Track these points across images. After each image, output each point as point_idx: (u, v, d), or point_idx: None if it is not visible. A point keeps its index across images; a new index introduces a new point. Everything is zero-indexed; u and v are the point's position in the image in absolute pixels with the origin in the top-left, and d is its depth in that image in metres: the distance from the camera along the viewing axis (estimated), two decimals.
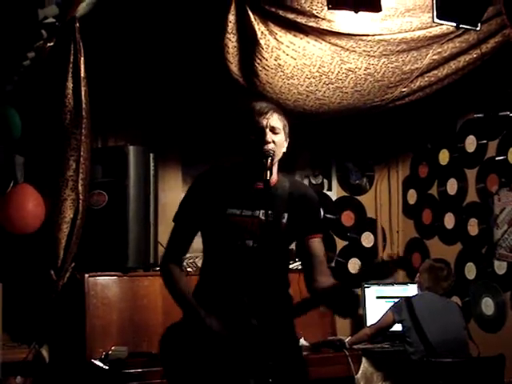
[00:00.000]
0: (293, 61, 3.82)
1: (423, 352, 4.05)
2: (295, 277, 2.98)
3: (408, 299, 4.28)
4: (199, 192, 2.80)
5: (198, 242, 2.89)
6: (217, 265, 2.79)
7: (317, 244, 2.88)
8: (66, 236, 3.84)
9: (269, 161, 2.68)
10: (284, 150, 2.79)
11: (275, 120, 2.75)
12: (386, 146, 5.56)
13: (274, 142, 2.72)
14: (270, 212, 2.67)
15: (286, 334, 2.80)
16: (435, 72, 4.23)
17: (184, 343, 2.70)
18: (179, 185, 4.81)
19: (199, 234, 2.87)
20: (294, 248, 2.98)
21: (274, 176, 2.74)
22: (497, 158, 4.77)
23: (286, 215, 2.77)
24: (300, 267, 3.01)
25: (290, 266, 2.99)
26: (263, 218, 2.69)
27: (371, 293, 4.94)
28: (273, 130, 2.73)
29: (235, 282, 2.70)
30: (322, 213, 5.37)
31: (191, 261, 4.15)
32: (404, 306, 4.22)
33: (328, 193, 5.50)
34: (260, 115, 2.74)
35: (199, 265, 2.95)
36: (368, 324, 4.72)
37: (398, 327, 4.31)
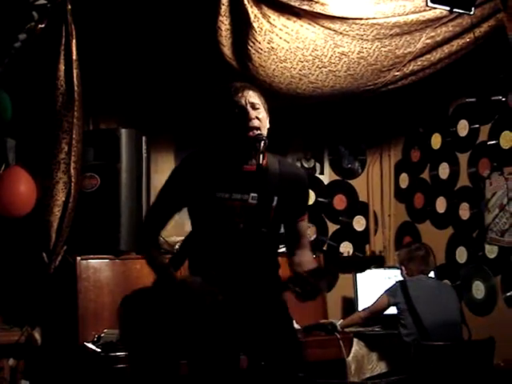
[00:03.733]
0: (286, 44, 3.81)
1: (417, 334, 4.08)
2: (284, 260, 2.99)
3: (403, 282, 4.30)
4: (186, 174, 2.79)
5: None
6: (207, 247, 2.78)
7: (304, 226, 2.93)
8: (57, 219, 3.83)
9: (261, 144, 2.66)
10: (268, 125, 2.77)
11: (253, 96, 2.75)
12: (378, 130, 5.56)
13: (257, 118, 2.71)
14: (260, 195, 2.67)
15: (277, 314, 2.81)
16: (428, 56, 4.23)
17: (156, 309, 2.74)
18: (172, 168, 4.62)
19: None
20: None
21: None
22: (489, 143, 4.78)
23: (276, 198, 2.76)
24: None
25: (280, 250, 2.99)
26: (253, 201, 2.69)
27: (363, 277, 4.95)
28: (253, 106, 2.72)
29: (226, 265, 2.69)
30: (314, 196, 5.39)
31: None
32: (399, 289, 4.24)
33: (320, 176, 5.50)
34: (237, 94, 2.73)
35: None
36: (359, 308, 4.74)
37: (390, 310, 4.33)
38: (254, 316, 2.70)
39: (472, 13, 3.44)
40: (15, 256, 4.04)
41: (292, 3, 3.56)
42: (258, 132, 2.69)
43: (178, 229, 3.49)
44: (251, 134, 2.68)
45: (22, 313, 4.14)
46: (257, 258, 2.70)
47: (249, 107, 2.71)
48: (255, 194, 2.69)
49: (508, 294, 4.60)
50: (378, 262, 5.06)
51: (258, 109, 2.73)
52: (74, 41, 3.65)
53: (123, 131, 4.20)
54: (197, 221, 2.82)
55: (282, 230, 2.98)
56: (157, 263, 2.80)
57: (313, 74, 4.08)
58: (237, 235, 2.71)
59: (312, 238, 5.26)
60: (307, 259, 2.86)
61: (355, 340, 4.36)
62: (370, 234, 5.61)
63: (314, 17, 3.70)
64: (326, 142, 5.52)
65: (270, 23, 3.66)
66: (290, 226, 2.90)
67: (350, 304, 5.01)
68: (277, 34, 3.73)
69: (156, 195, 2.88)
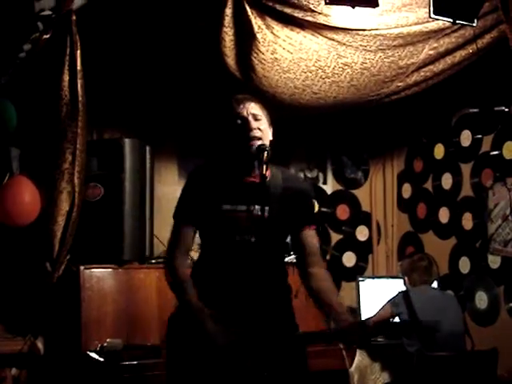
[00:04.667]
0: (289, 55, 3.83)
1: (419, 344, 4.07)
2: (290, 270, 2.99)
3: (406, 292, 4.30)
4: (193, 188, 2.81)
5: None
6: (214, 259, 2.79)
7: (311, 235, 2.90)
8: (61, 228, 3.84)
9: (265, 155, 2.68)
10: (270, 137, 2.79)
11: (254, 107, 2.77)
12: (381, 140, 5.57)
13: (259, 128, 2.73)
14: (265, 207, 2.68)
15: (285, 324, 2.81)
16: (431, 67, 4.24)
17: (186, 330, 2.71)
18: (175, 178, 4.82)
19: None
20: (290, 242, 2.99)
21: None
22: (491, 153, 4.78)
23: (280, 209, 2.76)
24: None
25: (287, 259, 3.00)
26: (258, 212, 2.70)
27: (366, 286, 4.95)
28: (255, 117, 2.74)
29: (232, 277, 2.71)
30: (317, 206, 5.39)
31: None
32: (401, 299, 4.23)
33: (323, 186, 5.51)
34: (238, 105, 2.76)
35: (194, 258, 2.94)
36: (362, 318, 4.73)
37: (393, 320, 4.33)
38: (262, 326, 2.69)
39: (475, 24, 3.44)
40: (18, 265, 4.05)
41: (295, 14, 3.58)
42: (260, 142, 2.70)
43: None
44: (252, 143, 2.70)
45: (25, 322, 4.14)
46: (264, 268, 2.70)
47: (250, 118, 2.73)
48: (259, 206, 2.70)
49: (511, 304, 4.60)
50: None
51: (259, 120, 2.75)
52: (78, 51, 3.66)
53: (127, 141, 4.21)
54: (204, 235, 2.83)
55: (289, 240, 2.99)
56: (193, 304, 2.70)
57: (316, 85, 4.09)
58: (243, 246, 2.71)
59: None
60: (326, 286, 2.84)
61: (358, 350, 4.35)
62: (372, 244, 5.61)
63: (318, 28, 3.71)
64: (329, 152, 5.53)
65: (274, 34, 3.68)
66: (294, 236, 2.90)
67: (352, 313, 5.00)
68: (280, 45, 3.75)
69: (173, 218, 2.84)
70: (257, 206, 2.72)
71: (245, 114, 2.74)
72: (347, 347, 2.59)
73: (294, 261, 3.04)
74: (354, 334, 2.68)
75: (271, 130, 2.80)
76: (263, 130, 2.74)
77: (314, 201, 3.04)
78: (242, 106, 2.75)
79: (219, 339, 2.58)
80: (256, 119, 2.74)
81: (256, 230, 2.70)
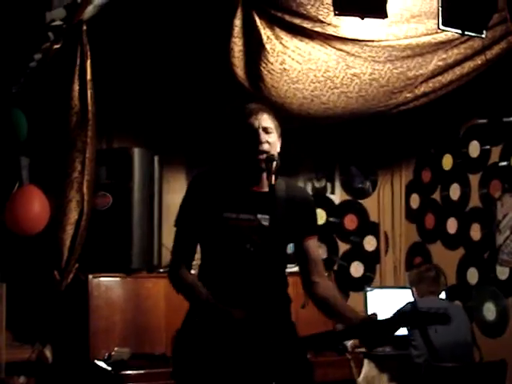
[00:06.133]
0: (298, 65, 3.84)
1: (427, 355, 4.06)
2: (296, 280, 2.99)
3: (413, 303, 4.29)
4: (195, 194, 2.79)
5: None
6: (215, 268, 2.78)
7: (313, 245, 2.88)
8: (70, 237, 3.86)
9: (273, 165, 2.68)
10: (278, 149, 2.78)
11: (266, 120, 2.74)
12: (389, 151, 5.57)
13: (268, 142, 2.71)
14: (268, 216, 2.67)
15: (286, 334, 2.81)
16: (440, 78, 4.24)
17: (193, 344, 2.71)
18: (183, 187, 4.73)
19: None
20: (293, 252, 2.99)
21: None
22: (500, 164, 4.78)
23: (284, 218, 2.74)
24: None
25: (291, 270, 2.98)
26: (262, 222, 2.69)
27: (373, 297, 4.94)
28: (265, 130, 2.72)
29: (234, 286, 2.70)
30: (325, 216, 5.40)
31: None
32: (409, 310, 4.22)
33: (331, 196, 5.51)
34: (251, 116, 2.73)
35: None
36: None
37: (401, 331, 4.31)
38: (264, 336, 2.70)
39: (484, 36, 3.44)
40: (27, 273, 4.06)
41: (304, 25, 3.59)
42: (267, 155, 2.71)
43: None
44: (260, 157, 2.70)
45: (33, 330, 4.16)
46: (265, 278, 2.69)
47: (261, 131, 2.72)
48: (264, 215, 2.70)
49: None
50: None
51: (270, 133, 2.73)
52: (88, 61, 3.69)
53: (136, 150, 4.23)
54: (205, 242, 2.82)
55: (290, 250, 2.99)
56: (196, 294, 2.70)
57: (325, 95, 4.10)
58: (244, 255, 2.71)
59: (323, 258, 5.25)
60: (332, 293, 2.82)
61: (366, 360, 4.34)
62: (380, 254, 5.60)
63: (327, 38, 3.72)
64: (338, 162, 5.54)
65: (283, 45, 3.69)
66: (298, 246, 2.89)
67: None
68: (289, 56, 3.76)
69: (175, 226, 2.83)
70: (260, 216, 2.71)
71: (256, 125, 2.72)
72: (367, 348, 2.54)
73: (297, 270, 3.03)
74: (367, 329, 2.61)
75: (280, 141, 2.80)
76: (272, 143, 2.72)
77: (315, 211, 3.03)
78: (254, 117, 2.73)
79: (236, 313, 2.55)
80: (267, 132, 2.72)
81: (258, 240, 2.69)
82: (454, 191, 5.17)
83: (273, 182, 2.66)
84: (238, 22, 3.53)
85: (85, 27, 3.63)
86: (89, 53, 3.68)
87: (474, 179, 5.00)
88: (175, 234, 2.84)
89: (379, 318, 2.64)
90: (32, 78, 3.91)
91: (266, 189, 2.72)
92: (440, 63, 4.09)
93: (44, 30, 3.71)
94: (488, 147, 4.89)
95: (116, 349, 3.86)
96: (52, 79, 3.86)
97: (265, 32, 3.60)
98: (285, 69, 3.83)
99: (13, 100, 3.93)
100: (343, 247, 5.51)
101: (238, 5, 3.48)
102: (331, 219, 5.46)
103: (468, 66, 4.19)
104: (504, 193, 4.72)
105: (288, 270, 2.91)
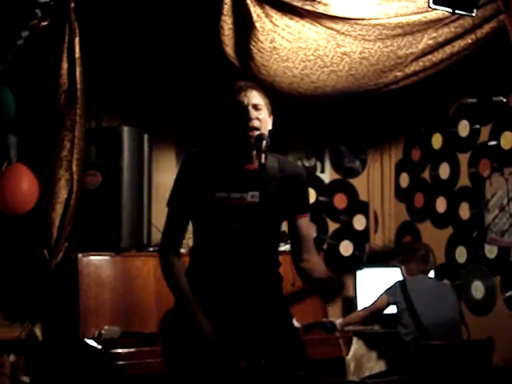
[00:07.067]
0: (288, 44, 3.82)
1: (416, 333, 4.10)
2: (287, 258, 3.00)
3: (402, 281, 4.32)
4: (188, 174, 2.79)
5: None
6: (207, 247, 2.79)
7: (305, 223, 2.89)
8: (59, 216, 3.85)
9: (263, 144, 2.67)
10: (269, 127, 2.77)
11: (256, 97, 2.74)
12: (379, 130, 5.57)
13: (258, 118, 2.71)
14: (258, 194, 2.68)
15: (277, 313, 2.82)
16: (430, 57, 4.24)
17: (180, 326, 2.72)
18: (173, 166, 4.81)
19: None
20: (286, 230, 2.99)
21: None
22: (489, 143, 4.79)
23: (276, 196, 2.75)
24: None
25: (283, 248, 2.99)
26: (252, 199, 2.70)
27: (363, 276, 4.97)
28: (255, 107, 2.72)
29: (225, 265, 2.71)
30: (315, 195, 5.40)
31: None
32: (398, 288, 4.25)
33: (321, 175, 5.51)
34: (240, 93, 2.73)
35: (190, 245, 2.94)
36: (359, 307, 4.76)
37: (389, 310, 4.35)
38: (254, 315, 2.71)
39: (474, 15, 3.43)
40: (16, 252, 4.06)
41: (295, 3, 3.57)
42: (258, 132, 2.70)
43: None
44: (250, 133, 2.69)
45: (23, 309, 4.16)
46: (256, 256, 2.71)
47: (250, 107, 2.71)
48: (254, 193, 2.70)
49: (507, 294, 4.61)
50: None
51: (259, 110, 2.73)
52: (77, 39, 3.66)
53: (125, 129, 4.22)
54: (198, 223, 2.83)
55: (283, 228, 3.00)
56: (180, 288, 2.74)
57: (314, 74, 4.09)
58: (234, 234, 2.71)
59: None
60: (320, 268, 2.83)
61: (354, 339, 4.37)
62: (370, 233, 5.62)
63: (317, 17, 3.70)
64: (327, 141, 5.53)
65: (273, 23, 3.67)
66: (289, 224, 2.90)
67: (349, 303, 5.02)
68: (279, 34, 3.74)
69: (167, 205, 2.83)
70: (250, 193, 2.72)
71: (245, 102, 2.72)
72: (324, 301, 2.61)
73: (286, 249, 3.05)
74: (326, 285, 2.66)
75: (271, 119, 2.79)
76: (262, 120, 2.72)
77: (308, 188, 3.02)
78: (243, 94, 2.73)
79: (206, 329, 2.60)
80: (256, 109, 2.72)
81: (250, 218, 2.70)
82: (444, 170, 5.18)
83: (262, 160, 2.66)
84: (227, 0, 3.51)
85: (73, 4, 3.60)
86: (77, 30, 3.65)
87: (464, 158, 5.00)
88: (167, 214, 2.84)
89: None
90: (20, 55, 3.87)
91: (265, 168, 2.71)
92: (430, 42, 4.08)
93: (31, 7, 3.67)
94: (477, 126, 4.89)
95: (106, 327, 3.86)
96: (40, 57, 3.82)
97: (255, 10, 3.57)
98: (275, 47, 3.81)
99: (0, 78, 3.90)
100: (333, 226, 5.51)
101: None
102: (321, 198, 5.47)
103: (458, 44, 4.18)
104: (493, 172, 4.74)
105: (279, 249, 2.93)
